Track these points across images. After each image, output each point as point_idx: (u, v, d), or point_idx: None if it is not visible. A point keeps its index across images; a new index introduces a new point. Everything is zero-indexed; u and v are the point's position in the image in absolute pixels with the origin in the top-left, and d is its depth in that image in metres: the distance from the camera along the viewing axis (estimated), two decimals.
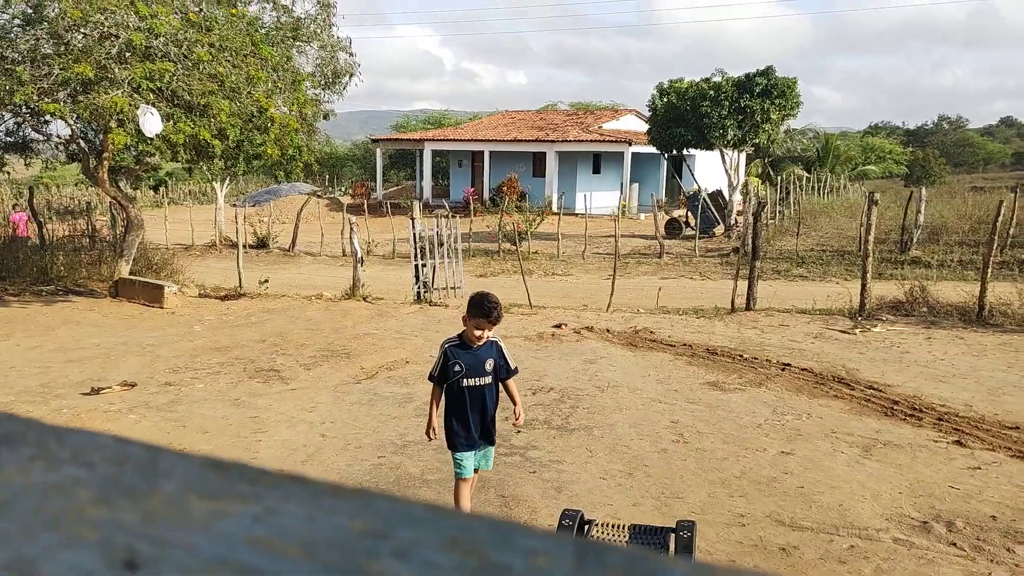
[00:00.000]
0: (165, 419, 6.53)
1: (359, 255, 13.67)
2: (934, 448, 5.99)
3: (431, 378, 4.45)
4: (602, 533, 3.71)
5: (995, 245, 11.94)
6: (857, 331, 10.58)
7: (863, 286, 11.83)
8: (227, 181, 26.30)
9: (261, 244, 23.35)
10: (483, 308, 4.20)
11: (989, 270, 11.39)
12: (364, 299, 13.02)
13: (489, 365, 4.34)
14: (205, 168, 15.77)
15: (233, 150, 11.61)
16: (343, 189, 46.35)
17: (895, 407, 7.09)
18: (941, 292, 12.22)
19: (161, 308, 11.79)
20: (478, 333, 4.23)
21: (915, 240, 19.40)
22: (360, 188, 38.94)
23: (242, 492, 0.34)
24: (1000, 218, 12.26)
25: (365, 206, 27.28)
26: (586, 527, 3.73)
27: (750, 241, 13.45)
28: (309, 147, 14.40)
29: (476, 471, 4.64)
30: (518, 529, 0.28)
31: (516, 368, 4.56)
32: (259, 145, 11.76)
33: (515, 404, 4.60)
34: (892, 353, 9.29)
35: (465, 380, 4.32)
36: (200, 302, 12.65)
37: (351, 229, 14.04)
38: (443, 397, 4.43)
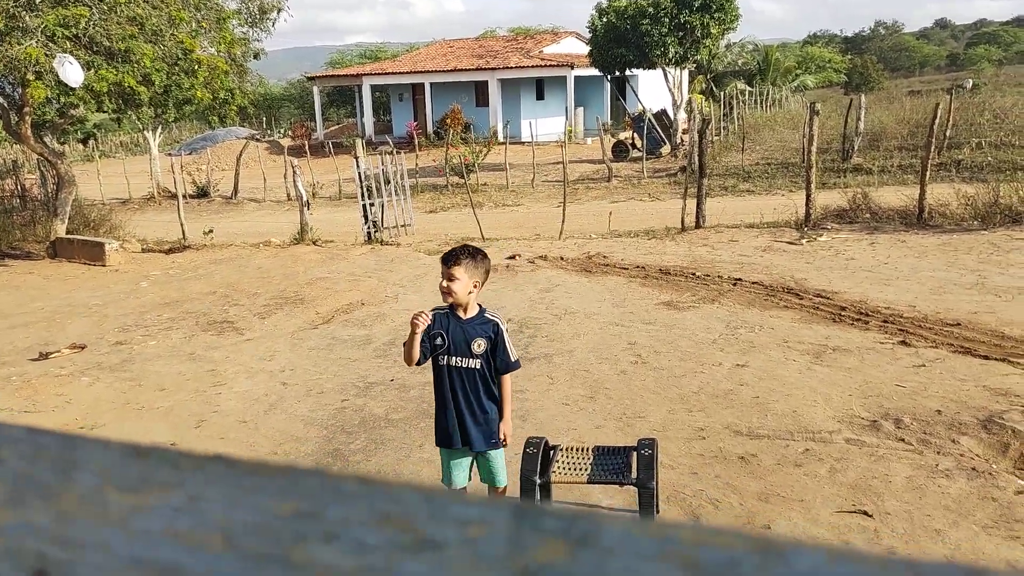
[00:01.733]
0: (119, 379, 6.41)
1: (304, 198, 13.38)
2: (881, 350, 6.20)
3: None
4: (567, 457, 3.79)
5: (933, 148, 12.20)
6: (804, 241, 10.80)
7: (808, 197, 12.02)
8: (159, 129, 25.31)
9: (202, 193, 22.71)
10: (444, 256, 3.47)
11: (928, 173, 11.66)
12: (314, 243, 12.83)
13: (478, 346, 3.46)
14: (134, 117, 15.14)
15: (161, 96, 11.13)
16: (282, 131, 45.08)
17: (843, 313, 7.30)
18: (883, 198, 12.49)
19: (104, 266, 11.45)
20: (441, 286, 3.44)
21: (856, 148, 19.70)
22: (300, 129, 37.92)
23: (163, 480, 0.32)
24: (937, 121, 12.49)
25: (307, 147, 26.58)
26: (551, 452, 3.80)
27: (697, 159, 13.51)
28: (241, 89, 13.89)
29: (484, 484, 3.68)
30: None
31: (517, 362, 3.64)
32: (188, 89, 11.29)
33: (502, 412, 3.58)
34: (838, 260, 9.52)
35: (446, 358, 3.48)
36: (144, 257, 12.32)
37: (294, 172, 13.71)
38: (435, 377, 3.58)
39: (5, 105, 11.33)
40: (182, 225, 13.87)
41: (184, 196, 15.63)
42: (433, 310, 3.49)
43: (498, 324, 3.55)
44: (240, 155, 23.62)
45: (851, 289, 8.11)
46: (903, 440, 4.54)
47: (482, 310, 3.57)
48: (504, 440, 3.60)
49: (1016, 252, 9.15)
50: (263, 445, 4.99)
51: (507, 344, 3.54)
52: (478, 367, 3.49)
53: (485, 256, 3.50)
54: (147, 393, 6.06)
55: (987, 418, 4.68)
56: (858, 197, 12.45)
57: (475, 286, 3.45)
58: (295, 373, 6.44)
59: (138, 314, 8.63)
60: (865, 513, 3.79)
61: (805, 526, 3.72)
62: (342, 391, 5.95)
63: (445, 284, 3.43)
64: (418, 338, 3.37)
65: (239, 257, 11.90)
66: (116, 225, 14.14)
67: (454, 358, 3.48)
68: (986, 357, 5.81)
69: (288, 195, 21.40)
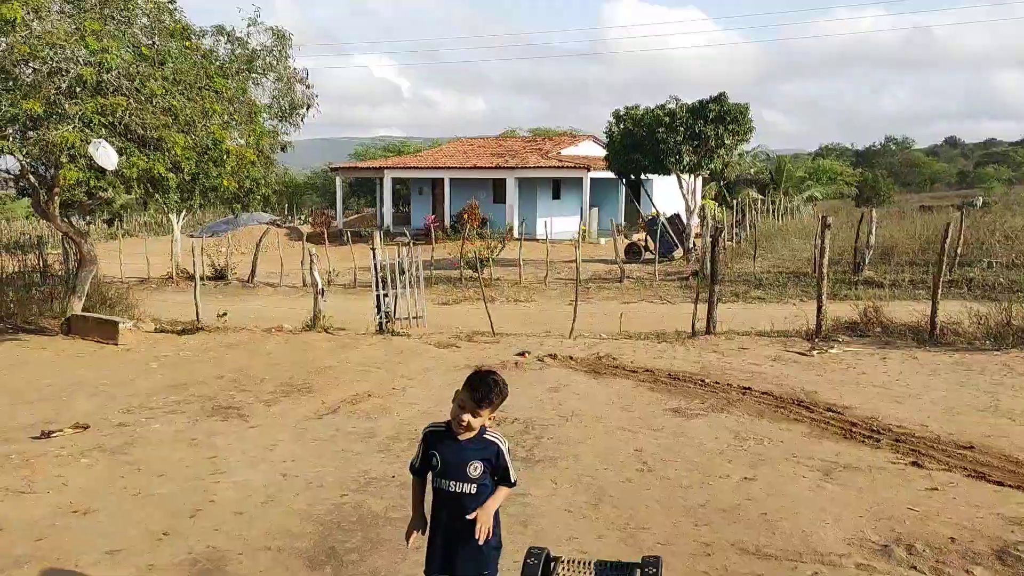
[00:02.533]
0: (118, 462, 6.35)
1: (319, 286, 13.54)
2: (892, 470, 6.08)
3: (411, 469, 3.44)
4: (568, 571, 3.68)
5: (944, 265, 12.27)
6: (815, 353, 10.75)
7: (819, 308, 12.04)
8: (183, 212, 25.93)
9: (219, 276, 23.02)
10: (471, 384, 3.25)
11: (940, 290, 11.69)
12: (325, 330, 12.88)
13: (474, 469, 3.24)
14: (161, 201, 15.55)
15: (189, 183, 11.45)
16: (303, 218, 46.01)
17: (853, 429, 7.20)
18: (894, 312, 12.49)
19: (116, 345, 11.51)
20: (460, 418, 3.21)
21: (867, 261, 19.84)
22: (320, 217, 38.71)
23: None
24: (948, 238, 12.62)
25: (325, 235, 27.11)
26: (552, 564, 3.69)
27: (709, 265, 13.63)
28: (267, 179, 14.28)
29: None
30: None
31: (515, 482, 3.41)
32: (215, 178, 11.62)
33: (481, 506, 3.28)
34: (849, 374, 9.45)
35: (439, 480, 3.28)
36: (156, 337, 12.39)
37: (311, 259, 13.91)
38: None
39: (36, 184, 11.67)
40: (197, 306, 14.00)
41: (202, 278, 15.85)
42: (427, 429, 3.38)
43: (499, 446, 3.30)
44: (260, 240, 24.07)
45: (862, 405, 8.02)
46: (915, 568, 4.40)
47: (482, 429, 3.29)
48: (479, 529, 3.23)
49: None
50: (257, 540, 4.88)
51: (509, 467, 3.33)
52: (470, 491, 3.24)
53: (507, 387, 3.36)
54: (145, 478, 5.99)
55: (1002, 548, 4.54)
56: (869, 310, 12.45)
57: (491, 418, 3.32)
58: (296, 464, 6.36)
59: (145, 396, 8.62)
60: None
61: None
62: (342, 485, 5.86)
63: (467, 421, 3.22)
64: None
65: (251, 341, 11.94)
66: (132, 304, 14.30)
67: (447, 481, 3.26)
68: (1000, 483, 5.68)
69: (304, 281, 21.66)
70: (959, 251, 18.98)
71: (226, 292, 21.01)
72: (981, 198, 42.63)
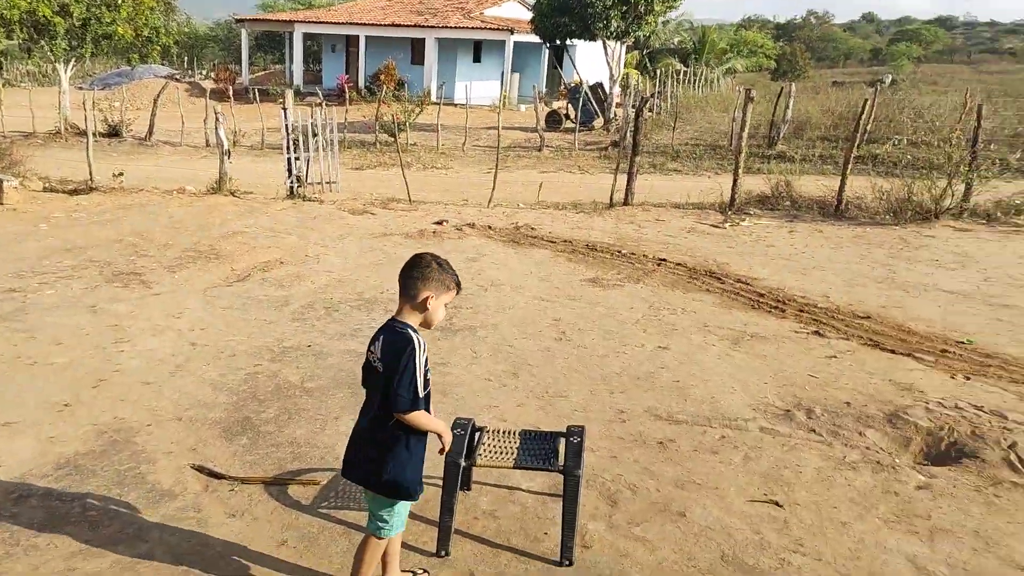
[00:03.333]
0: (11, 330, 5.98)
1: (225, 146, 12.79)
2: (795, 338, 6.35)
3: (417, 404, 2.78)
4: (493, 440, 3.72)
5: (856, 141, 12.54)
6: (727, 225, 10.98)
7: (734, 181, 12.21)
8: (72, 62, 23.77)
9: (113, 132, 21.49)
10: (455, 276, 2.93)
11: (850, 165, 12.00)
12: (232, 194, 12.30)
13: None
14: (47, 48, 14.11)
15: (79, 29, 10.41)
16: (204, 73, 43.03)
17: (761, 300, 7.45)
18: (804, 187, 12.80)
19: (0, 205, 10.69)
20: (443, 316, 2.94)
21: (782, 135, 20.14)
22: (224, 72, 36.24)
23: None
24: (864, 115, 12.84)
25: (230, 92, 25.42)
26: (477, 435, 3.72)
27: (630, 136, 13.53)
28: (167, 27, 13.09)
29: None
30: None
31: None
32: (109, 24, 10.58)
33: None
34: (759, 247, 9.71)
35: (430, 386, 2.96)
36: (45, 197, 11.56)
37: (216, 118, 13.06)
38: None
39: None
40: (90, 165, 13.05)
41: (94, 134, 14.72)
42: (421, 348, 2.82)
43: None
44: (159, 95, 22.46)
45: (770, 276, 8.29)
46: (814, 431, 4.66)
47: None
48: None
49: (924, 249, 9.53)
50: (166, 409, 4.74)
51: None
52: None
53: None
54: (42, 347, 5.68)
55: (892, 412, 4.84)
56: (781, 185, 12.72)
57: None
58: (205, 333, 6.15)
59: (35, 259, 8.08)
60: (776, 503, 3.86)
61: (719, 515, 3.76)
62: (255, 355, 5.71)
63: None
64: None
65: (150, 204, 11.30)
66: (17, 160, 13.22)
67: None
68: (893, 351, 6.02)
69: (207, 141, 20.49)
70: (868, 128, 19.44)
71: (121, 150, 19.71)
72: (890, 76, 43.52)
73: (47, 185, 12.29)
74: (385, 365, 2.76)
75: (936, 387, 5.23)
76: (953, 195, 11.12)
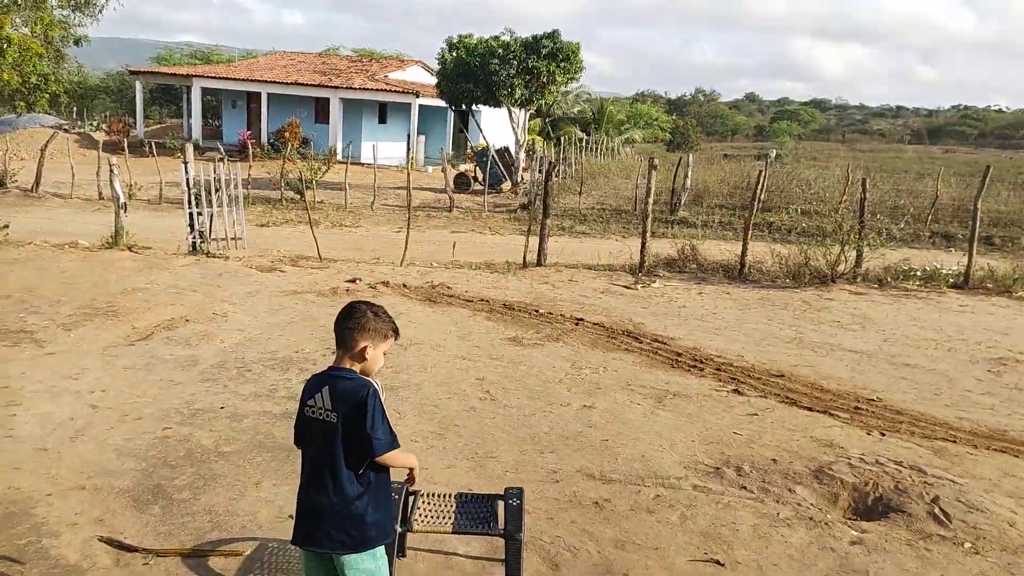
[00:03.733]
0: None
1: (121, 199, 12.22)
2: (717, 396, 6.47)
3: (394, 443, 2.68)
4: (429, 503, 3.56)
5: (754, 209, 13.18)
6: (639, 286, 11.23)
7: (643, 244, 12.56)
8: None
9: None
10: (394, 323, 2.81)
11: (750, 232, 12.57)
12: (130, 248, 11.70)
13: None
14: None
15: None
16: (96, 124, 41.41)
17: (679, 359, 7.58)
18: (708, 251, 13.30)
19: None
20: (382, 364, 2.81)
21: (683, 202, 20.99)
22: (117, 124, 34.95)
23: None
24: (759, 186, 13.54)
25: (125, 144, 24.49)
26: (411, 499, 3.55)
27: (540, 199, 13.76)
28: (56, 75, 12.57)
29: None
30: None
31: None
32: None
33: None
34: (672, 308, 9.95)
35: None
36: None
37: (111, 169, 12.49)
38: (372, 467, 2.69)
39: None
40: None
41: None
42: (379, 392, 2.69)
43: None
44: (46, 145, 21.35)
45: (685, 336, 8.47)
46: (745, 488, 4.70)
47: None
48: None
49: (825, 311, 10.00)
50: (67, 478, 4.33)
51: None
52: None
53: None
54: None
55: (818, 468, 4.95)
56: (687, 248, 13.17)
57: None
58: (107, 395, 5.72)
59: None
60: (717, 562, 3.84)
61: (661, 575, 3.70)
62: (164, 418, 5.33)
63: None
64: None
65: (39, 258, 10.59)
66: None
67: None
68: (810, 409, 6.21)
69: (100, 194, 19.58)
70: (762, 197, 20.51)
71: (5, 202, 18.56)
72: (775, 151, 46.37)
73: None
74: (343, 415, 2.60)
75: (855, 443, 5.41)
76: (846, 261, 11.79)
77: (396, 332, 2.80)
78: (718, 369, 7.27)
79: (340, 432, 2.59)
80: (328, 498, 2.63)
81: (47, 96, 11.76)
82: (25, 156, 26.28)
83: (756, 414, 6.06)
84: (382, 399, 2.65)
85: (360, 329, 2.69)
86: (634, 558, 3.87)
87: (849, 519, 4.39)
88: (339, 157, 26.46)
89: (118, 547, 3.64)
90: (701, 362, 7.48)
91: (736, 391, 6.62)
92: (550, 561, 3.81)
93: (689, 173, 21.31)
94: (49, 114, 36.00)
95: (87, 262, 10.52)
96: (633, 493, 4.59)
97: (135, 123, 36.40)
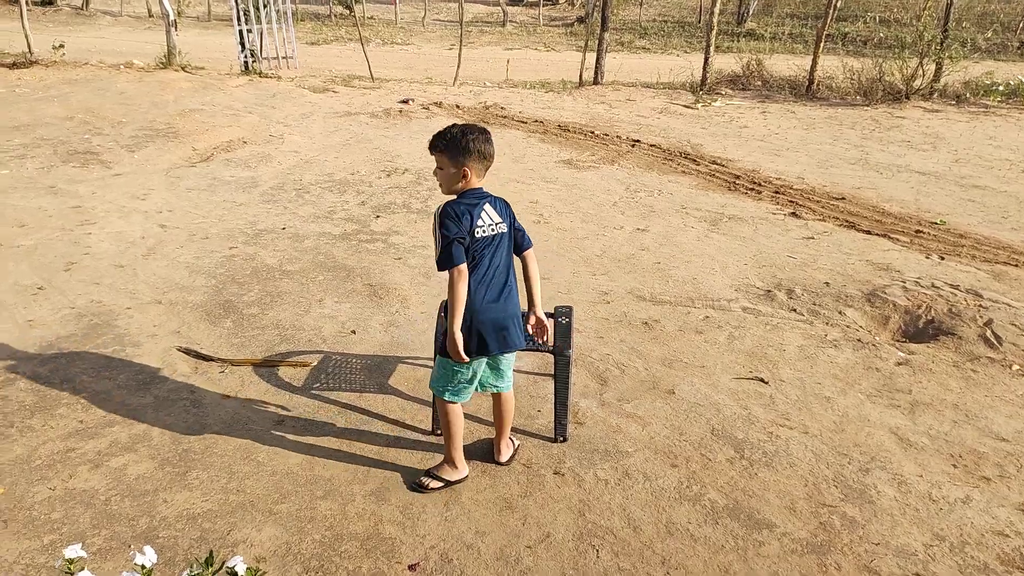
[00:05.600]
0: None
1: (171, 16, 12.01)
2: (773, 220, 6.39)
3: (456, 261, 2.71)
4: None
5: (829, 18, 12.28)
6: (699, 106, 10.83)
7: (705, 60, 11.96)
8: None
9: (47, 1, 20.02)
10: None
11: (822, 44, 11.80)
12: (183, 69, 11.66)
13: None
14: None
15: None
16: None
17: (737, 181, 7.44)
18: (774, 66, 12.63)
19: None
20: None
21: (751, 11, 19.66)
22: None
23: None
24: None
25: None
26: None
27: (599, 12, 13.05)
28: None
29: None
30: None
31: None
32: None
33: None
34: (732, 128, 9.62)
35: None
36: None
37: None
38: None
39: None
40: (27, 36, 12.17)
41: (27, 1, 13.66)
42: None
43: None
44: None
45: (744, 158, 8.25)
46: (795, 310, 4.75)
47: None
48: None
49: (895, 130, 9.55)
50: (144, 293, 4.61)
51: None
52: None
53: (475, 139, 2.75)
54: (5, 229, 5.43)
55: (870, 292, 4.95)
56: (752, 64, 12.51)
57: (464, 176, 2.78)
58: (174, 215, 5.94)
59: None
60: (761, 380, 3.97)
61: (706, 391, 3.86)
62: (229, 237, 5.55)
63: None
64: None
65: (97, 79, 10.66)
66: None
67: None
68: (869, 232, 6.11)
69: (149, 10, 19.25)
70: (838, 5, 19.06)
71: (57, 20, 18.43)
72: None
73: None
74: (509, 223, 2.92)
75: (912, 266, 5.34)
76: (924, 75, 11.08)
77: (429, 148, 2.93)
78: (776, 192, 7.13)
79: (509, 236, 2.91)
80: (515, 302, 2.93)
81: None
82: None
83: (812, 238, 5.99)
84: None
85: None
86: (680, 375, 4.02)
87: (898, 341, 4.44)
88: None
89: (195, 356, 3.93)
90: (759, 185, 7.33)
91: (793, 214, 6.52)
92: (599, 377, 3.99)
93: None
94: None
95: (143, 83, 10.56)
96: (683, 314, 4.68)
97: None
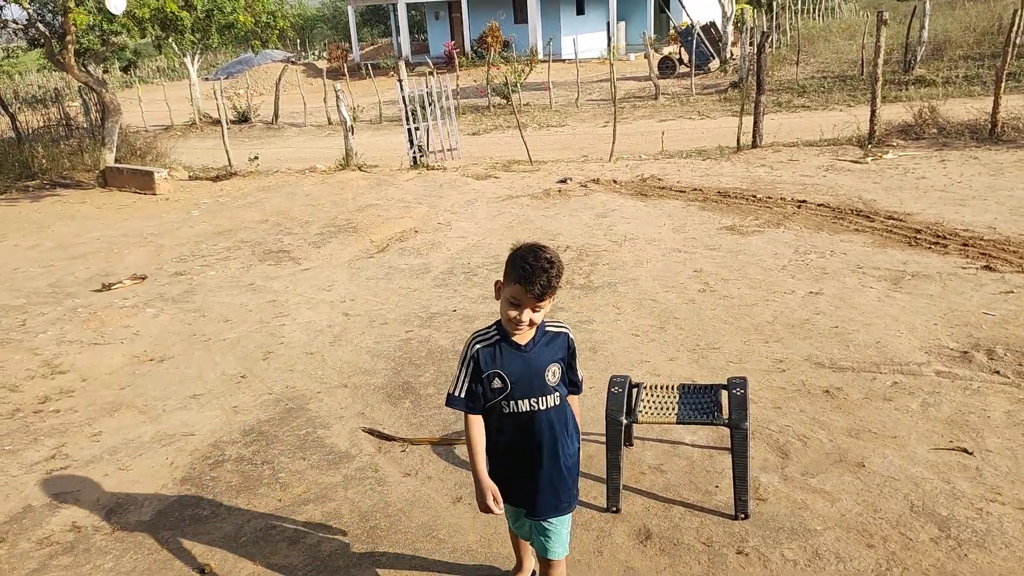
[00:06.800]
0: (183, 310, 6.42)
1: (348, 123, 13.16)
2: (963, 275, 5.92)
3: (452, 401, 2.45)
4: (652, 395, 3.67)
5: (1009, 56, 11.45)
6: (869, 159, 10.34)
7: (872, 112, 11.46)
8: (198, 55, 25.03)
9: (243, 119, 22.57)
10: (522, 272, 2.29)
11: (1003, 83, 10.99)
12: (360, 168, 12.67)
13: (553, 375, 2.46)
14: (173, 43, 14.92)
15: (203, 21, 10.90)
16: (316, 53, 44.37)
17: (918, 236, 6.98)
18: (950, 111, 11.87)
19: (154, 195, 11.46)
20: (513, 315, 2.34)
21: (919, 58, 18.70)
22: (335, 51, 37.24)
23: None
24: (1015, 27, 11.71)
25: (344, 69, 26.13)
26: (635, 391, 3.68)
27: (753, 75, 12.92)
28: (281, 11, 13.57)
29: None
30: None
31: (582, 379, 2.66)
32: (230, 13, 11.04)
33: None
34: (907, 180, 9.09)
35: (511, 403, 2.44)
36: (192, 185, 12.29)
37: (337, 96, 13.43)
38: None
39: (47, 33, 11.17)
40: (227, 151, 13.78)
41: (227, 121, 15.48)
42: (475, 346, 2.44)
43: (567, 335, 2.53)
44: (279, 79, 23.33)
45: (925, 210, 7.75)
46: (998, 372, 4.34)
47: (541, 323, 2.46)
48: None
49: None
50: (332, 378, 4.96)
51: (577, 360, 2.57)
52: (554, 404, 2.47)
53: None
54: (212, 324, 6.06)
55: None
56: (924, 111, 11.83)
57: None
58: (356, 303, 6.38)
59: (193, 243, 8.62)
60: (965, 451, 3.63)
61: (901, 464, 3.58)
62: (405, 322, 5.88)
63: (527, 319, 2.36)
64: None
65: (286, 184, 11.80)
66: (162, 152, 14.11)
67: (524, 401, 2.44)
68: None
69: (329, 119, 21.16)
70: (1018, 40, 17.73)
71: (251, 135, 20.66)
72: None
73: (191, 174, 13.05)
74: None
75: None
76: None
77: (519, 280, 2.31)
78: (964, 244, 6.61)
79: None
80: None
81: (276, 31, 12.73)
82: (263, 91, 28.90)
83: (1011, 292, 5.48)
84: (472, 352, 2.45)
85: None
86: (870, 447, 3.76)
87: None
88: (540, 56, 26.39)
89: (379, 436, 4.15)
90: (944, 237, 6.83)
91: (987, 267, 6.01)
92: (779, 450, 3.81)
93: (926, 23, 18.84)
94: (278, 48, 39.06)
95: (325, 184, 11.56)
96: (867, 381, 4.41)
97: (351, 47, 38.51)
